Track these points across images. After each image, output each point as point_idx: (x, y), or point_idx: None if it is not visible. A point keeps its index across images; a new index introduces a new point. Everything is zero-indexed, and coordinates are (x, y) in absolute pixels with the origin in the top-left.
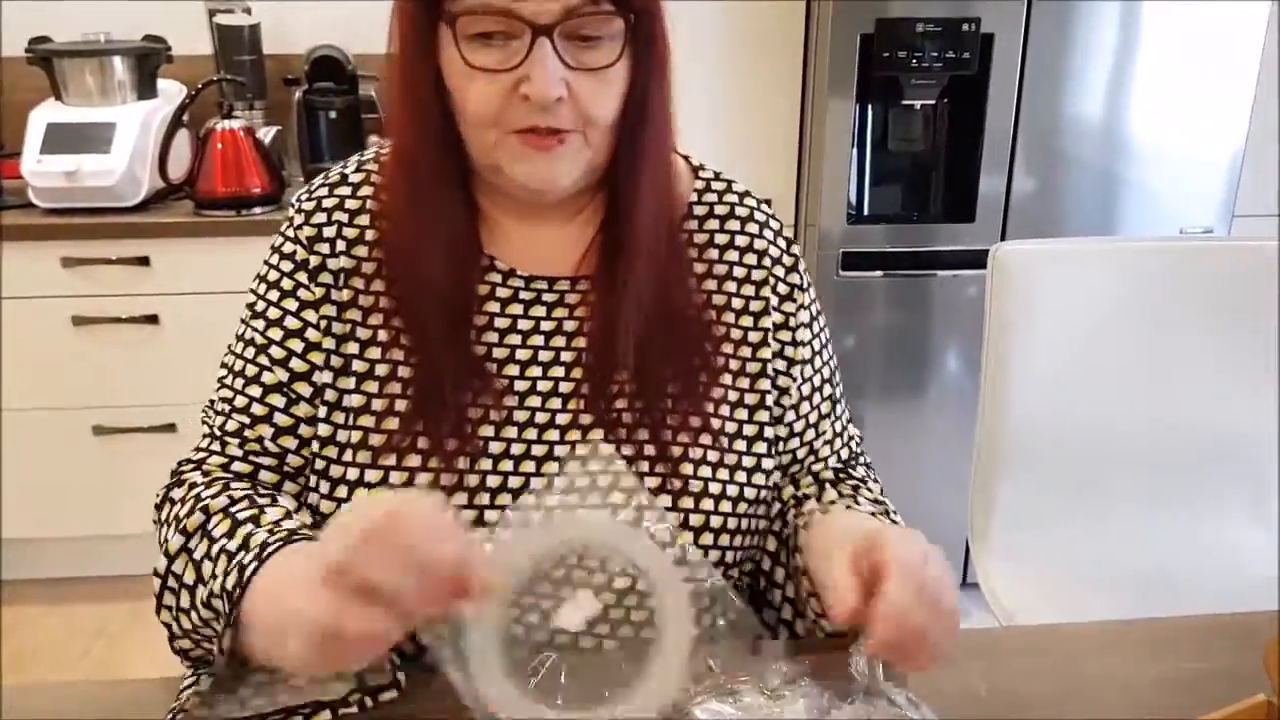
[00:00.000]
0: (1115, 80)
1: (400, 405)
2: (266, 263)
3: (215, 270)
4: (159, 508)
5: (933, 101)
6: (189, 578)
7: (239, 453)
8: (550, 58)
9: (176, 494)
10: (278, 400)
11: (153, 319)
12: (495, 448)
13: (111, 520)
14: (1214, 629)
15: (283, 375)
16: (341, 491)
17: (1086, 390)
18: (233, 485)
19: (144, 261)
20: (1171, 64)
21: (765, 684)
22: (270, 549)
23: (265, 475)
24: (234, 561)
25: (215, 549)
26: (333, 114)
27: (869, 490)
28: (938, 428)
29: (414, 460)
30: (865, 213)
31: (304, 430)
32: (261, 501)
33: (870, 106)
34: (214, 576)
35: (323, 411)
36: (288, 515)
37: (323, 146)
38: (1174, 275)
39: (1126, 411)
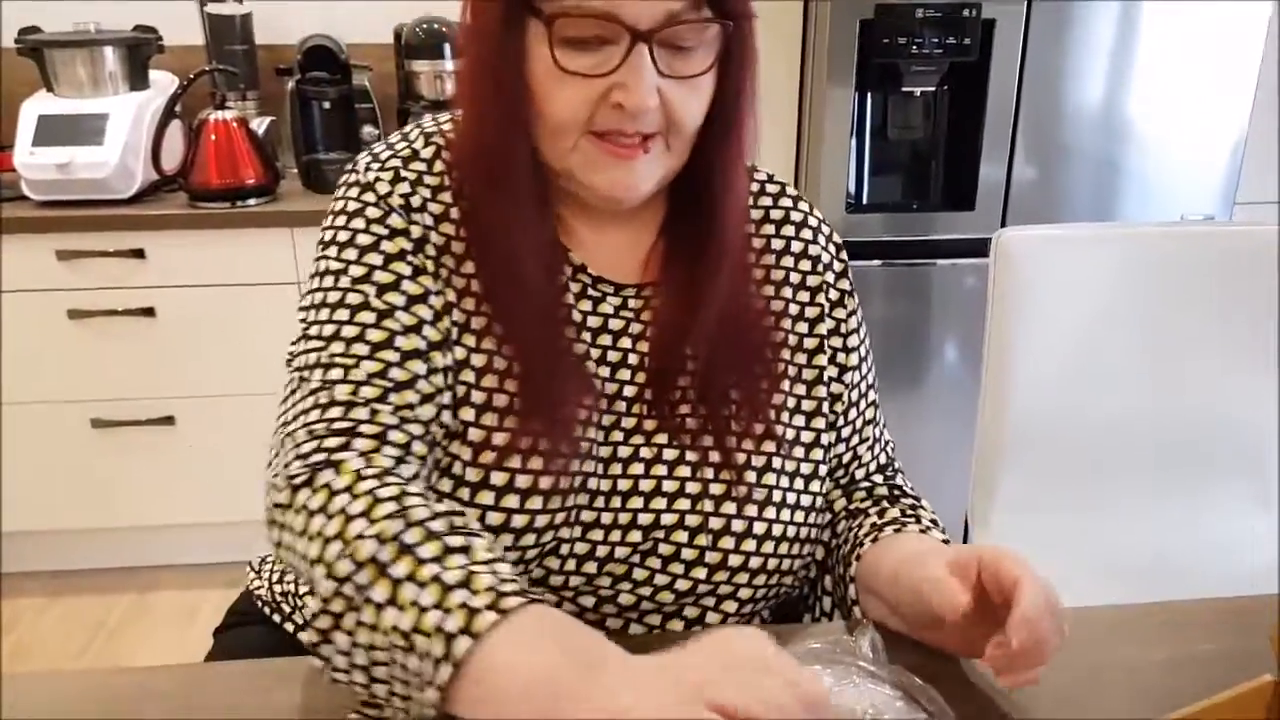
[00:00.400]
0: (1117, 67)
1: (498, 400)
2: (347, 228)
3: (211, 262)
4: (297, 487)
5: (933, 88)
6: (379, 594)
7: (393, 420)
8: (647, 65)
9: (335, 480)
10: (418, 367)
11: (149, 311)
12: (581, 448)
13: (111, 513)
14: (1220, 612)
15: (419, 342)
16: (445, 485)
17: (1089, 376)
18: (409, 490)
19: (139, 254)
20: (1174, 51)
21: None
22: (511, 602)
23: (417, 447)
24: (449, 595)
25: (425, 573)
26: (326, 104)
27: (925, 509)
28: (936, 416)
29: (515, 461)
30: (864, 201)
31: (442, 400)
32: (458, 522)
33: (869, 94)
34: (415, 605)
35: (446, 397)
36: (490, 549)
37: (316, 137)
38: (1177, 260)
39: (1129, 397)
